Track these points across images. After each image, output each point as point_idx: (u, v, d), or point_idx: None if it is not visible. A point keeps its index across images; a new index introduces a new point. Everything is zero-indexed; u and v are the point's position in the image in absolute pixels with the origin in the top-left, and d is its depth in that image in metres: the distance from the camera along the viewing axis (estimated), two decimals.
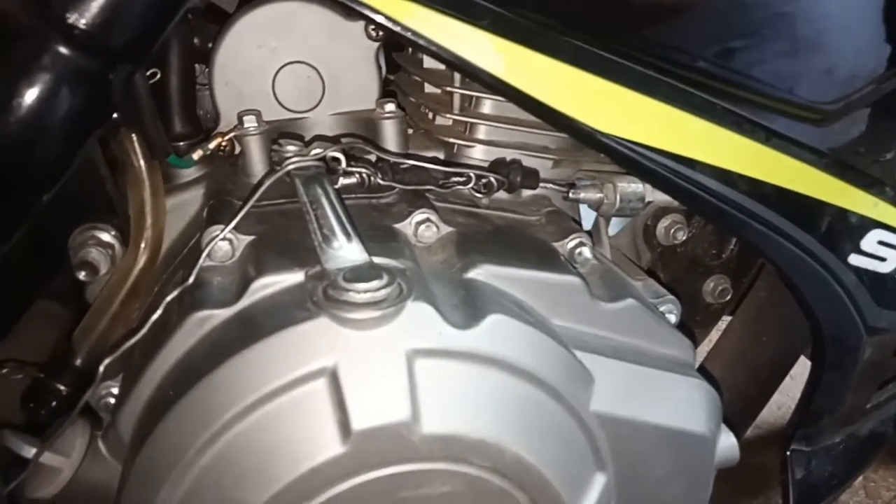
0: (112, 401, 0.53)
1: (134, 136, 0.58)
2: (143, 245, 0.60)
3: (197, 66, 0.68)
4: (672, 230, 0.78)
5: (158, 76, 0.59)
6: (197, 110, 0.67)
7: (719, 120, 0.54)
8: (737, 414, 0.73)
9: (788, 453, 0.65)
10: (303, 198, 0.49)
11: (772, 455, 0.72)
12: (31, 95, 0.43)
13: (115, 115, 0.49)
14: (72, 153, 0.47)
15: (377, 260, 0.47)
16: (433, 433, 0.43)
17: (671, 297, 0.65)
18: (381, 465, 0.42)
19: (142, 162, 0.59)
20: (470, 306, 0.47)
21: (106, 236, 0.60)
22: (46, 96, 0.43)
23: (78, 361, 0.58)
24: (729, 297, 0.85)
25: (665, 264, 0.84)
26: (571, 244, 0.58)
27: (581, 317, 0.53)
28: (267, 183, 0.50)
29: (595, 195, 0.63)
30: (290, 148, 0.53)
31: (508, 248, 0.55)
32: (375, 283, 0.43)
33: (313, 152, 0.52)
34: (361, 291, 0.42)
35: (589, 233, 0.63)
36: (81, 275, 0.58)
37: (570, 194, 0.63)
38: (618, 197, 0.63)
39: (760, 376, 0.79)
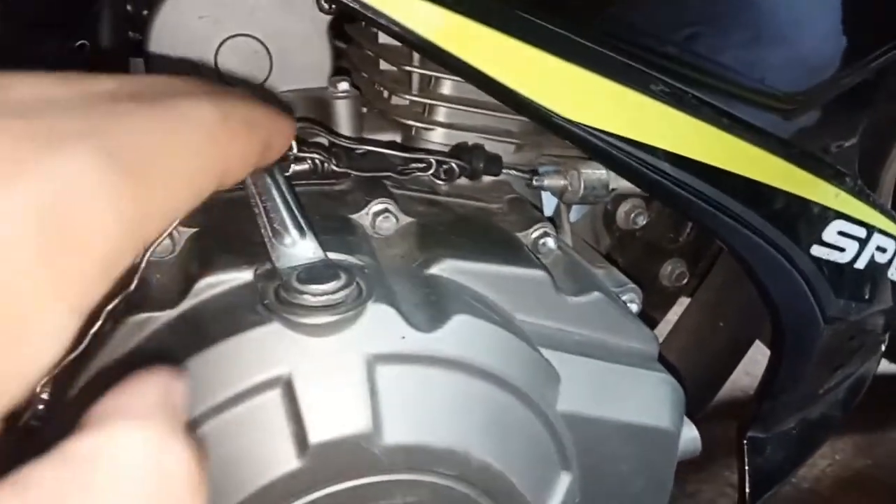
0: (41, 408, 0.48)
1: None
2: None
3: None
4: (632, 215, 0.77)
5: (88, 48, 0.54)
6: None
7: (686, 108, 0.52)
8: (692, 399, 0.73)
9: (745, 441, 0.65)
10: (250, 188, 0.45)
11: (721, 430, 0.73)
12: None
13: None
14: None
15: (333, 256, 0.44)
16: (396, 444, 0.40)
17: (633, 285, 0.63)
18: (341, 478, 0.40)
19: None
20: (433, 306, 0.44)
21: None
22: None
23: None
24: (686, 281, 0.85)
25: (623, 249, 0.84)
26: (535, 234, 0.56)
27: (546, 312, 0.51)
28: None
29: (559, 182, 0.61)
30: None
31: (471, 241, 0.52)
32: (332, 285, 0.40)
33: None
34: (317, 294, 0.39)
35: (552, 220, 0.61)
36: None
37: (534, 181, 0.60)
38: (582, 184, 0.61)
39: (717, 362, 0.79)
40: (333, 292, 0.39)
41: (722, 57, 0.53)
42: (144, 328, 0.42)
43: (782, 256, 0.57)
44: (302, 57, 0.61)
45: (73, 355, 0.44)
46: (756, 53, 0.52)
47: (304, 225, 0.44)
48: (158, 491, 0.16)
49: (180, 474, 0.16)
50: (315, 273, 0.40)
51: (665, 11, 0.53)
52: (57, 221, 0.15)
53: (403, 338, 0.41)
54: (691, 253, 0.85)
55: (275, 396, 0.39)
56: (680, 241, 0.84)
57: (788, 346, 0.61)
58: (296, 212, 0.45)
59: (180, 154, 0.19)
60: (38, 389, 0.48)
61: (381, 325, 0.41)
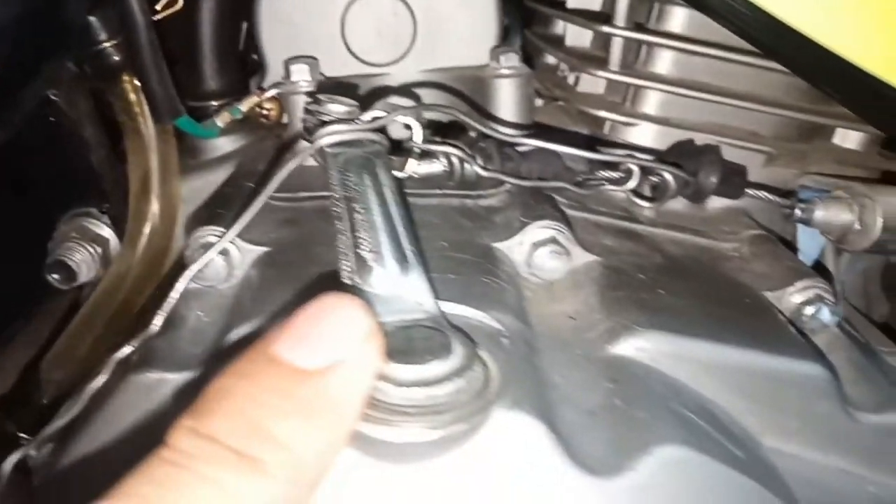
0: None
1: (140, 88, 0.41)
2: (142, 241, 0.42)
3: None
4: None
5: (180, 5, 0.41)
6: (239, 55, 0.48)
7: None
8: None
9: None
10: (337, 192, 0.29)
11: None
12: None
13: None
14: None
15: (451, 311, 0.26)
16: None
17: None
18: None
19: (149, 123, 0.41)
20: (621, 421, 0.24)
21: (100, 228, 0.44)
22: None
23: (44, 398, 0.42)
24: None
25: None
26: (799, 297, 0.34)
27: (825, 440, 0.29)
28: (289, 165, 0.30)
29: (840, 216, 0.38)
30: (334, 109, 0.32)
31: (693, 302, 0.31)
32: (436, 366, 0.22)
33: (367, 116, 0.31)
34: (406, 382, 0.21)
35: (826, 275, 0.38)
36: (53, 279, 0.41)
37: (798, 212, 0.38)
38: (879, 222, 0.37)
39: None
40: (437, 382, 0.21)
41: None
42: (153, 391, 0.27)
43: None
44: (458, 23, 0.44)
45: (73, 411, 0.30)
46: None
47: (407, 253, 0.26)
48: None
49: None
50: (411, 341, 0.22)
51: None
52: None
53: (561, 482, 0.21)
54: None
55: None
56: None
57: None
58: (400, 231, 0.27)
59: None
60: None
61: (517, 451, 0.21)
